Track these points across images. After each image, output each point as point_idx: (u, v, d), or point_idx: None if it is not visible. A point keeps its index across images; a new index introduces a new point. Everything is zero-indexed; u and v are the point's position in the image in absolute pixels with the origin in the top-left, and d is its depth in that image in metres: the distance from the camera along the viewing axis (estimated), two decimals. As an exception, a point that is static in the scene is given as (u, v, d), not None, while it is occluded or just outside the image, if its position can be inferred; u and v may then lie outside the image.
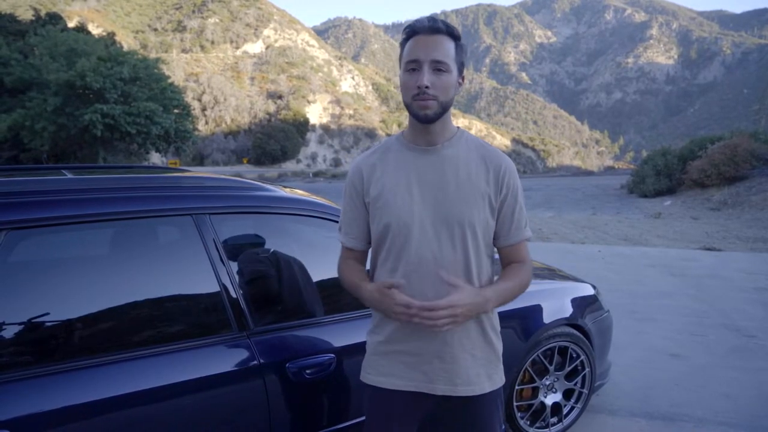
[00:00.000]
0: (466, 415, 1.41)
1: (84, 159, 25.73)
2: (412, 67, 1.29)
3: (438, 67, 1.28)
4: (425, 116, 1.31)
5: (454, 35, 1.31)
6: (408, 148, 1.40)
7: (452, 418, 1.42)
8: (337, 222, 1.99)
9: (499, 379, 1.44)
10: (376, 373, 1.43)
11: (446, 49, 1.29)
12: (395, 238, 1.36)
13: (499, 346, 1.46)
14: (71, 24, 38.84)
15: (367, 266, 1.51)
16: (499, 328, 1.47)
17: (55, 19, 33.20)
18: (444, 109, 1.32)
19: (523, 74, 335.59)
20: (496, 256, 1.49)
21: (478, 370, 1.39)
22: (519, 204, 1.42)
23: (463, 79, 1.37)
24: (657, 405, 3.12)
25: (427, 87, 1.27)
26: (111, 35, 34.19)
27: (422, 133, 1.38)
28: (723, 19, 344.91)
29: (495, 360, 1.44)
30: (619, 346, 3.72)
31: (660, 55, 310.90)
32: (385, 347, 1.41)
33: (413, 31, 1.31)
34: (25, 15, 35.54)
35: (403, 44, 1.34)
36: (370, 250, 1.48)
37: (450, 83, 1.30)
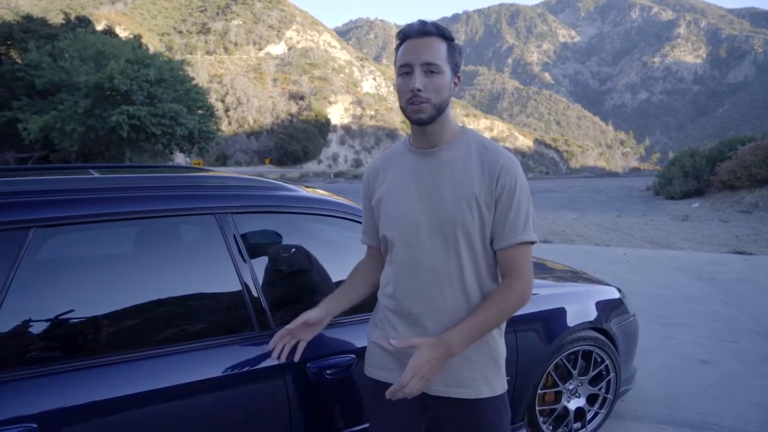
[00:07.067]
0: (465, 421, 1.38)
1: (111, 159, 26.30)
2: (404, 71, 1.29)
3: (430, 69, 1.27)
4: (419, 119, 1.30)
5: (445, 36, 1.30)
6: (411, 152, 1.41)
7: (452, 422, 1.40)
8: (357, 222, 1.99)
9: (500, 387, 1.39)
10: (374, 366, 1.48)
11: (437, 50, 1.28)
12: (392, 241, 1.40)
13: (501, 350, 1.42)
14: (99, 27, 39.74)
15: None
16: (503, 330, 1.43)
17: (84, 22, 34.03)
18: (438, 111, 1.31)
19: (546, 74, 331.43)
20: None
21: (474, 374, 1.36)
22: (516, 203, 1.31)
23: (458, 79, 1.35)
24: (685, 412, 3.03)
25: (419, 90, 1.26)
26: (138, 38, 34.81)
27: (421, 136, 1.38)
28: (754, 16, 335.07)
29: (493, 365, 1.39)
30: (645, 351, 3.64)
31: (688, 54, 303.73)
32: (384, 342, 1.44)
33: (405, 35, 1.31)
34: (56, 19, 36.49)
35: (397, 50, 1.34)
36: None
37: (442, 85, 1.29)
